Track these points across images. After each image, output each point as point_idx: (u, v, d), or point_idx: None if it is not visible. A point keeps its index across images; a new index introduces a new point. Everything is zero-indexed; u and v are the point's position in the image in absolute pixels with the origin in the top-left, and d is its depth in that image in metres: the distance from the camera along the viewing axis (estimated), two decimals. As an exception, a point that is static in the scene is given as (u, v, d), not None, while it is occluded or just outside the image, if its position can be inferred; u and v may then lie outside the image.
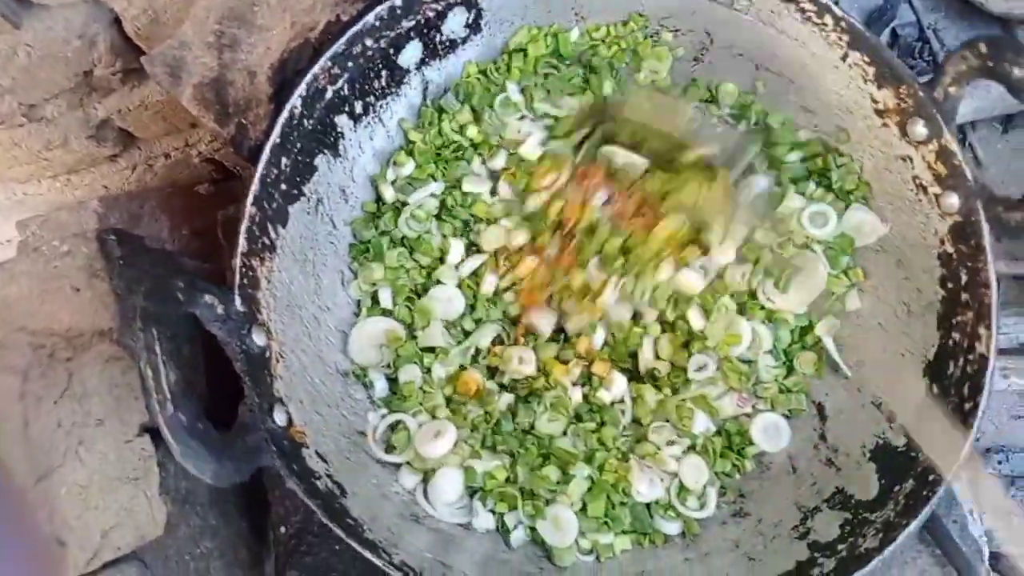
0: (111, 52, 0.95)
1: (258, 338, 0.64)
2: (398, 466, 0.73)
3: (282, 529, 0.79)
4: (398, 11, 0.71)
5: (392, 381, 0.75)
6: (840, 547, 0.63)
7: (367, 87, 0.74)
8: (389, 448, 0.72)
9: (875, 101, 0.69)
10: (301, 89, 0.68)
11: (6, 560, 0.59)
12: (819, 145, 0.75)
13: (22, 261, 0.81)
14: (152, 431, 0.75)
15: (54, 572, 0.62)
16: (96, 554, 0.66)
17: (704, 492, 0.70)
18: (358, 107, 0.75)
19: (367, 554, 0.59)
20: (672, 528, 0.70)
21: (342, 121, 0.74)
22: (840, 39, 0.67)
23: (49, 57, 0.92)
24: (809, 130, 0.76)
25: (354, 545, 0.59)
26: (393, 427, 0.73)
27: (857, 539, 0.63)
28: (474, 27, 0.77)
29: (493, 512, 0.70)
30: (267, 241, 0.67)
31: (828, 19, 0.67)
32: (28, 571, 0.60)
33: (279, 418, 0.63)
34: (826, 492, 0.69)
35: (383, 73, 0.75)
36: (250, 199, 0.65)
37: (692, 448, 0.71)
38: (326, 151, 0.73)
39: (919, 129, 0.66)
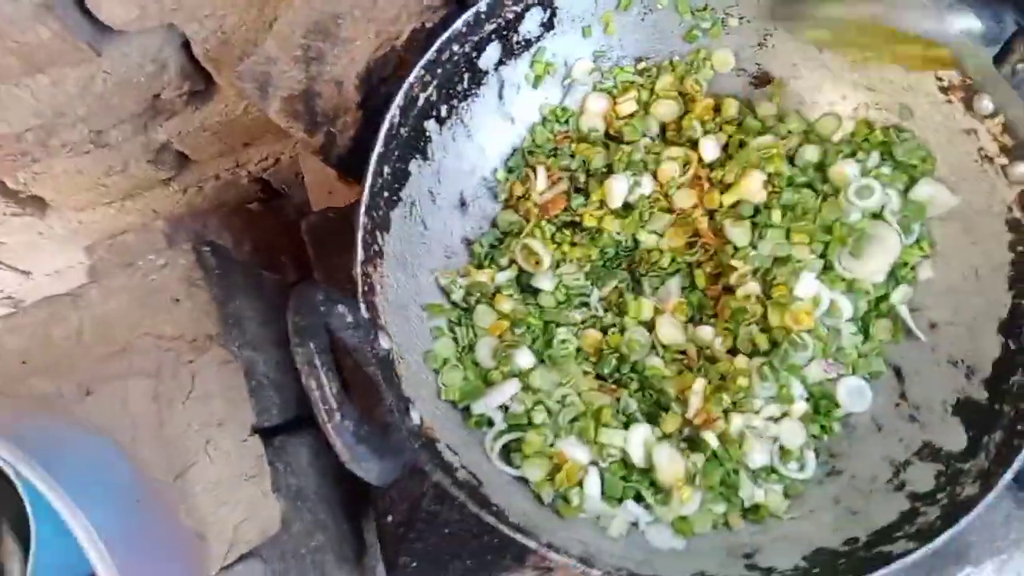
0: (179, 75, 0.99)
1: (384, 342, 0.67)
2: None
3: (389, 518, 0.82)
4: (482, 15, 0.75)
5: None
6: (940, 496, 0.67)
7: (451, 91, 0.78)
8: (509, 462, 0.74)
9: (939, 79, 0.74)
10: (399, 99, 0.72)
11: (159, 553, 0.61)
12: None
13: (117, 277, 0.83)
14: (261, 431, 0.78)
15: (199, 565, 0.65)
16: (231, 548, 0.68)
17: (803, 454, 0.74)
18: (443, 110, 0.78)
19: (519, 538, 0.62)
20: (774, 494, 0.74)
21: (430, 126, 0.77)
22: (903, 20, 0.72)
23: (124, 83, 0.95)
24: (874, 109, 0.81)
25: (504, 530, 0.62)
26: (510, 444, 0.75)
27: (955, 488, 0.67)
28: (548, 25, 0.81)
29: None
30: (377, 248, 0.71)
31: (893, 2, 0.72)
32: (178, 565, 0.63)
33: (415, 417, 0.66)
34: (914, 446, 0.73)
35: (465, 76, 0.79)
36: (363, 209, 0.68)
37: (786, 414, 0.75)
38: (417, 156, 0.77)
39: (984, 104, 0.71)
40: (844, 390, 0.77)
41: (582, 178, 0.84)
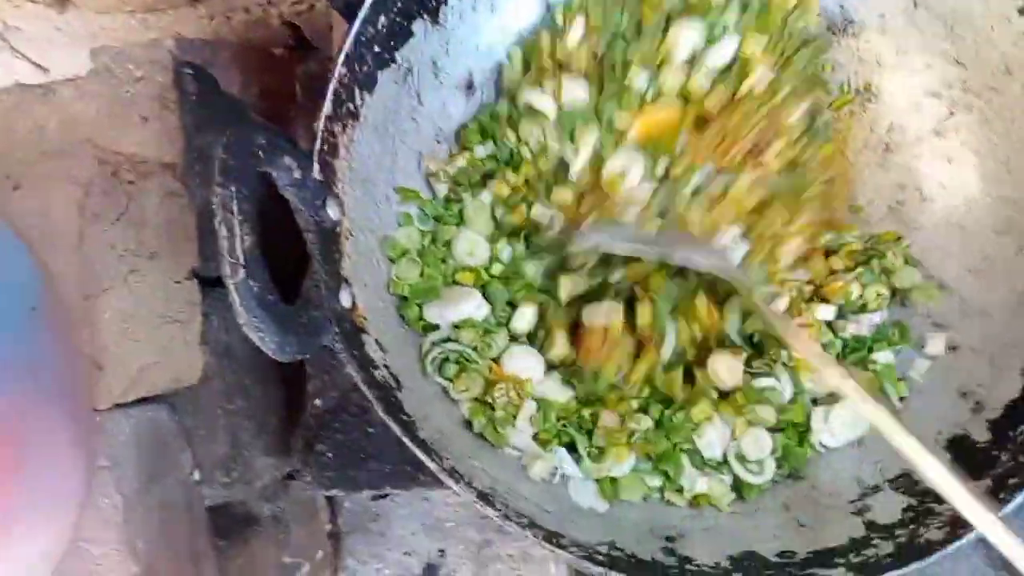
0: None
1: (332, 211, 0.60)
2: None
3: (317, 402, 0.77)
4: None
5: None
6: (899, 532, 0.59)
7: (479, -46, 0.68)
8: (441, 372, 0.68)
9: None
10: (412, -59, 0.62)
11: (46, 368, 0.57)
12: None
13: (93, 81, 0.77)
14: (201, 278, 0.73)
15: (86, 393, 0.61)
16: (131, 387, 0.64)
17: (763, 461, 0.66)
18: (466, -26, 0.69)
19: (419, 453, 0.56)
20: (721, 486, 0.67)
21: (448, -16, 0.68)
22: (1024, -14, 0.60)
23: None
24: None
25: (407, 442, 0.56)
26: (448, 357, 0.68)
27: (919, 528, 0.59)
28: None
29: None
30: (352, 107, 0.62)
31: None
32: (64, 385, 0.59)
33: (344, 299, 0.59)
34: (890, 473, 0.65)
35: (499, -58, 0.68)
36: (342, 57, 0.60)
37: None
38: (426, 15, 0.67)
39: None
40: (842, 414, 0.68)
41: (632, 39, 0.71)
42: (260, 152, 0.54)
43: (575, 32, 0.70)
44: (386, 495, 0.87)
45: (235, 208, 0.50)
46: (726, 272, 0.65)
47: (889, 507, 0.62)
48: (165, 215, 0.68)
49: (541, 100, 0.70)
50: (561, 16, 0.72)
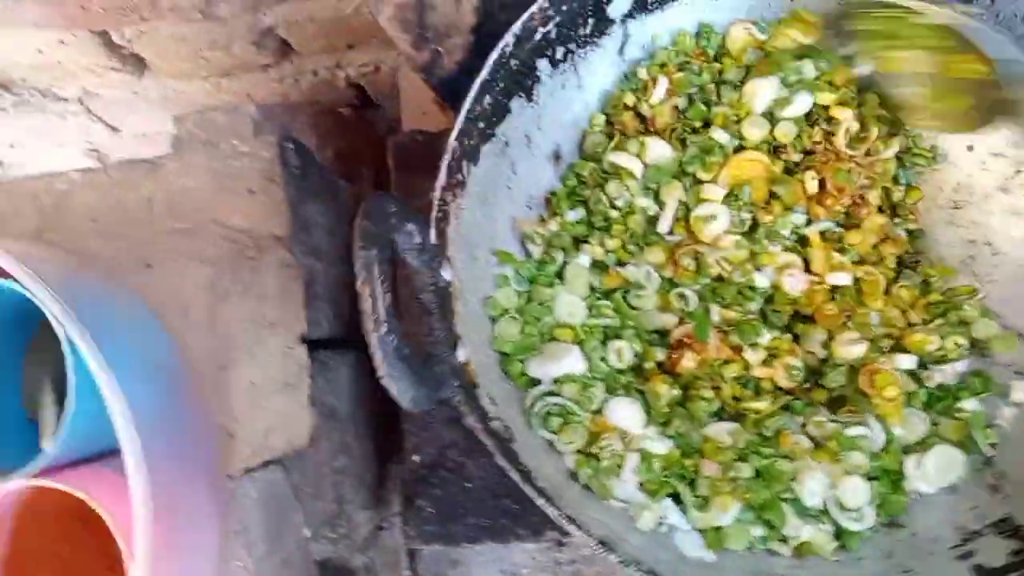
0: (298, -41, 0.95)
1: (446, 273, 0.64)
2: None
3: (415, 458, 0.80)
4: (621, -42, 0.69)
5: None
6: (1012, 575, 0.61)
7: (572, 33, 0.72)
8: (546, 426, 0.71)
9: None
10: (516, 28, 0.66)
11: (184, 438, 0.60)
12: None
13: (199, 155, 0.82)
14: (309, 342, 0.77)
15: (223, 461, 0.64)
16: (257, 451, 0.68)
17: (862, 509, 0.68)
18: (559, 52, 0.72)
19: (540, 501, 0.59)
20: (823, 535, 0.68)
21: (542, 65, 0.71)
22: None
23: (240, -45, 0.92)
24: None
25: (528, 491, 0.59)
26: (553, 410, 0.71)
27: (1029, 572, 0.61)
28: (693, -17, 0.74)
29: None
30: (460, 177, 0.66)
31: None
32: (203, 455, 0.62)
33: (461, 354, 0.63)
34: (991, 518, 0.66)
35: (590, 20, 0.72)
36: (455, 133, 0.64)
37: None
38: (522, 94, 0.71)
39: None
40: (935, 459, 0.70)
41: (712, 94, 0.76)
42: (392, 218, 0.58)
43: (659, 91, 0.75)
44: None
45: (376, 270, 0.54)
46: None
47: (995, 551, 0.63)
48: (280, 286, 0.72)
49: (627, 160, 0.74)
50: (645, 72, 0.76)
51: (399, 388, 0.54)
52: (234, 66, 1.17)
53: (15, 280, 0.56)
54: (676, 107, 0.76)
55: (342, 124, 1.21)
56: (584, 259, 0.74)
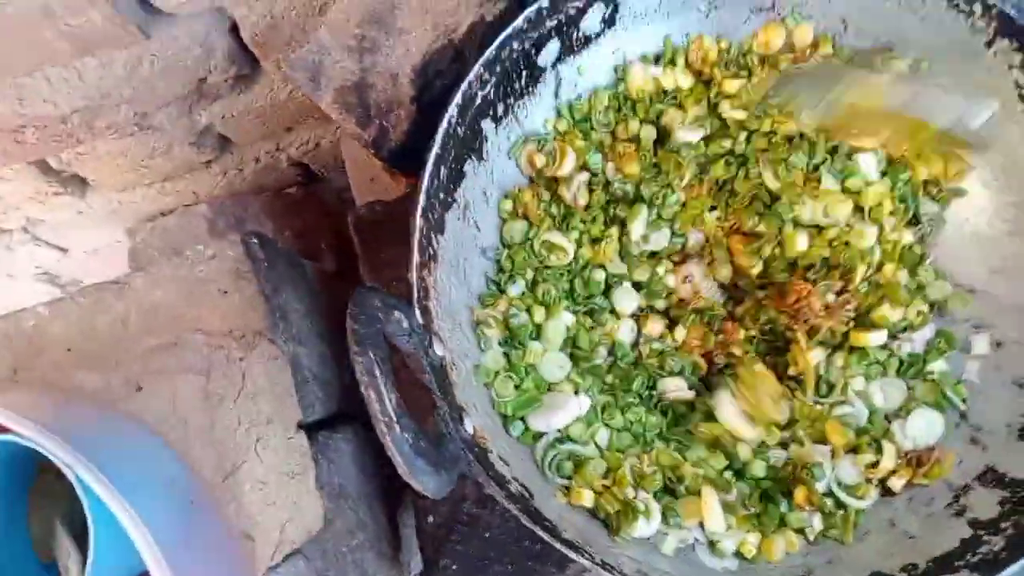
0: (226, 59, 0.97)
1: (438, 348, 0.66)
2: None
3: (430, 519, 0.81)
4: (544, 12, 0.72)
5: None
6: (1004, 524, 0.65)
7: (509, 89, 0.76)
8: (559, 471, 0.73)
9: (1019, 86, 0.70)
10: (457, 98, 0.70)
11: (210, 554, 0.61)
12: None
13: (164, 266, 0.82)
14: (306, 427, 0.78)
15: (249, 566, 0.65)
16: (278, 548, 0.68)
17: (862, 485, 0.72)
18: (500, 109, 0.76)
19: (571, 554, 0.61)
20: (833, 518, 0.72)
21: (487, 125, 0.75)
22: (987, 25, 0.69)
23: (171, 67, 0.94)
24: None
25: (558, 547, 0.61)
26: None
27: (1021, 517, 0.65)
28: (609, 21, 0.78)
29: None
30: (432, 251, 0.69)
31: (977, 6, 0.68)
32: (228, 566, 0.63)
33: (468, 426, 0.65)
34: (974, 471, 0.71)
35: (523, 73, 0.76)
36: (419, 211, 0.67)
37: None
38: (473, 156, 0.75)
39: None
40: (916, 421, 0.74)
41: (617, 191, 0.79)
42: (379, 314, 0.60)
43: (567, 164, 0.79)
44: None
45: (377, 372, 0.55)
46: None
47: (986, 503, 0.68)
48: (270, 379, 0.73)
49: (559, 237, 0.77)
50: (552, 143, 0.80)
51: (423, 482, 0.56)
52: (176, 168, 1.18)
53: (14, 432, 0.56)
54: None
55: (293, 204, 1.23)
56: (568, 316, 0.76)
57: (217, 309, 0.78)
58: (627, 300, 0.77)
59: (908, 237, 0.78)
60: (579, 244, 0.77)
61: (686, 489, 0.71)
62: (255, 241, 0.82)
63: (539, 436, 0.73)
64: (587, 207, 0.78)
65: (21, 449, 0.58)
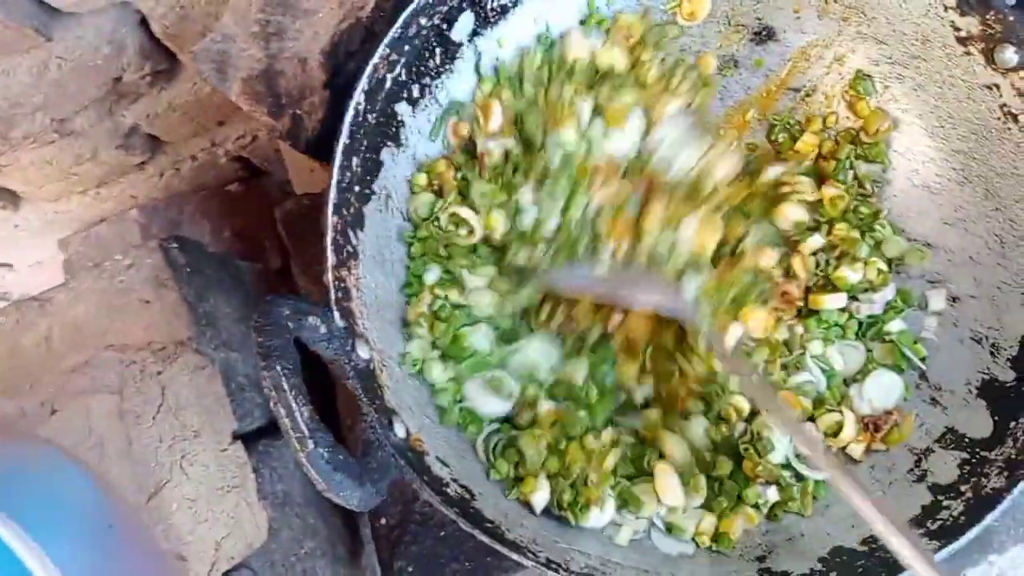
0: (140, 55, 0.92)
1: (362, 351, 0.62)
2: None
3: (383, 521, 0.78)
4: (449, -17, 0.68)
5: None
6: (964, 488, 0.63)
7: (423, 68, 0.71)
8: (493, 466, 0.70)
9: (957, 28, 0.67)
10: (363, 83, 0.66)
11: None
12: None
13: (85, 279, 0.79)
14: (242, 436, 0.75)
15: (179, 591, 0.62)
16: (214, 566, 0.65)
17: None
18: (415, 91, 0.72)
19: (512, 555, 0.58)
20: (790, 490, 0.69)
21: (402, 108, 0.71)
22: (920, -34, 0.65)
23: (80, 67, 0.89)
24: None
25: (498, 547, 0.58)
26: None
27: (980, 479, 0.62)
28: (523, -12, 0.74)
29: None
30: (351, 249, 0.65)
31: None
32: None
33: (399, 430, 0.62)
34: (936, 432, 0.68)
35: (437, 51, 0.72)
36: (330, 208, 0.63)
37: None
38: (390, 143, 0.71)
39: (1008, 56, 0.64)
40: (873, 384, 0.72)
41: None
42: (288, 323, 0.56)
43: (495, 120, 0.73)
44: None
45: (286, 385, 0.52)
46: (673, 311, 0.68)
47: (945, 466, 0.65)
48: (196, 391, 0.70)
49: (467, 212, 0.73)
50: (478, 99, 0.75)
51: (344, 497, 0.53)
52: (107, 173, 1.13)
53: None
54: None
55: (232, 201, 1.19)
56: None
57: (139, 320, 0.75)
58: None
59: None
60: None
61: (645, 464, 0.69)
62: (175, 246, 0.78)
63: (479, 421, 0.70)
64: (495, 169, 0.72)
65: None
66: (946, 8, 0.66)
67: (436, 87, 0.74)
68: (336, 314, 0.60)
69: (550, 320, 0.72)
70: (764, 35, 0.79)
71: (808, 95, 0.79)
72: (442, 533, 0.78)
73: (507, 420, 0.71)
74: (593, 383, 0.71)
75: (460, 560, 0.77)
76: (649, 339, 0.71)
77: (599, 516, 0.67)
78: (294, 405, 0.52)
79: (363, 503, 0.54)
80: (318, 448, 0.52)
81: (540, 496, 0.67)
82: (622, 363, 0.71)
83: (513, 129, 0.74)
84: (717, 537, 0.67)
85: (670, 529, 0.68)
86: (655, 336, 0.71)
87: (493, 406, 0.70)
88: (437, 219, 0.72)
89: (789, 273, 0.74)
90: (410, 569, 0.77)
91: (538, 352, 0.72)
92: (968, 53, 0.67)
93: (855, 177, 0.76)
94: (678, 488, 0.68)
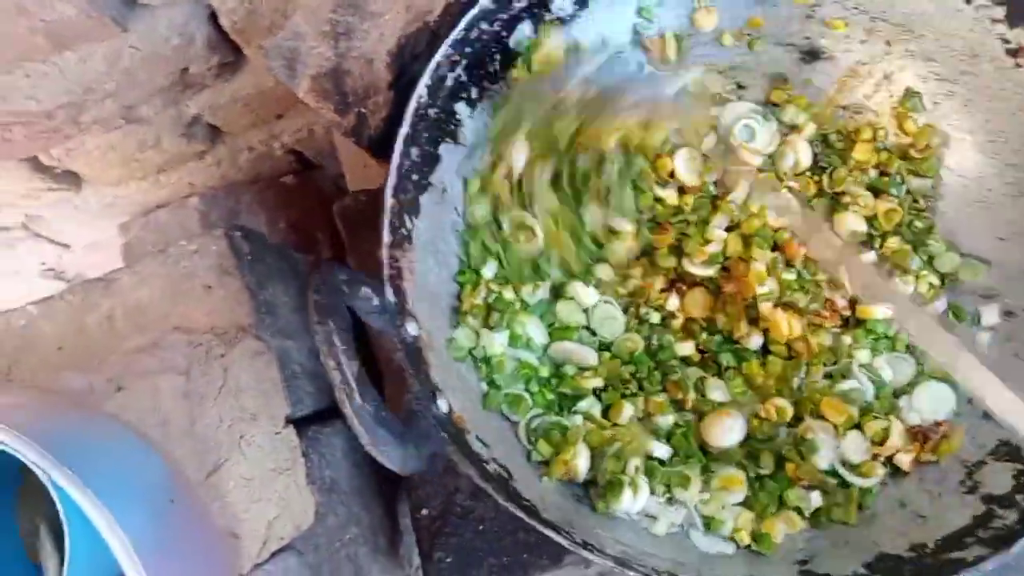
0: (207, 48, 0.95)
1: (411, 327, 0.64)
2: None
3: (424, 511, 0.80)
4: (511, -8, 0.70)
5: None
6: (1020, 498, 0.62)
7: (482, 72, 0.73)
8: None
9: (1006, 41, 0.67)
10: (426, 78, 0.68)
11: (192, 553, 0.60)
12: None
13: (149, 264, 0.82)
14: (295, 422, 0.77)
15: (233, 564, 0.64)
16: (264, 544, 0.67)
17: (868, 464, 0.69)
18: (474, 92, 0.73)
19: (549, 533, 0.59)
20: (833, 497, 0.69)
21: (461, 108, 0.73)
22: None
23: (151, 57, 0.92)
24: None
25: (536, 526, 0.59)
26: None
27: (1035, 491, 0.62)
28: (581, 3, 0.75)
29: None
30: (405, 232, 0.67)
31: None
32: (211, 565, 0.62)
33: (442, 406, 0.63)
34: (989, 445, 0.68)
35: (497, 57, 0.73)
36: (389, 190, 0.65)
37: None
38: (448, 139, 0.73)
39: (1064, 66, 0.64)
40: (923, 395, 0.72)
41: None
42: (343, 287, 0.58)
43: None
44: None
45: (336, 340, 0.54)
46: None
47: (999, 478, 0.65)
48: (255, 375, 0.72)
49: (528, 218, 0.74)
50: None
51: (385, 453, 0.55)
52: (168, 161, 1.17)
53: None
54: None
55: (288, 193, 1.22)
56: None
57: (201, 305, 0.77)
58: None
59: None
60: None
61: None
62: (239, 235, 0.81)
63: (524, 403, 0.72)
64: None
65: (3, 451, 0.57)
66: (994, 21, 0.66)
67: (494, 92, 0.75)
68: (389, 289, 0.63)
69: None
70: (812, 55, 0.79)
71: (857, 112, 0.79)
72: (481, 527, 0.79)
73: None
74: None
75: (498, 555, 0.78)
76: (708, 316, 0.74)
77: (631, 501, 0.68)
78: (343, 359, 0.54)
79: (403, 464, 0.56)
80: (364, 402, 0.54)
81: (581, 463, 0.68)
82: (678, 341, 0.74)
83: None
84: (757, 537, 0.67)
85: (708, 525, 0.69)
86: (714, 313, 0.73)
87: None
88: (497, 226, 0.74)
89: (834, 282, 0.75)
90: (449, 560, 0.78)
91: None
92: (1019, 65, 0.67)
93: (908, 191, 0.76)
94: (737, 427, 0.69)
